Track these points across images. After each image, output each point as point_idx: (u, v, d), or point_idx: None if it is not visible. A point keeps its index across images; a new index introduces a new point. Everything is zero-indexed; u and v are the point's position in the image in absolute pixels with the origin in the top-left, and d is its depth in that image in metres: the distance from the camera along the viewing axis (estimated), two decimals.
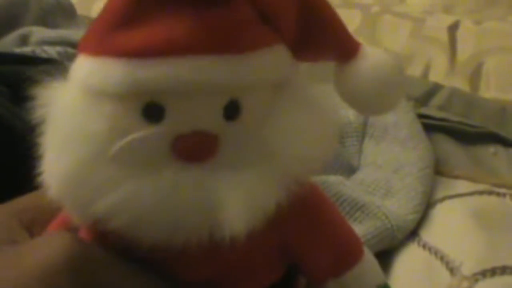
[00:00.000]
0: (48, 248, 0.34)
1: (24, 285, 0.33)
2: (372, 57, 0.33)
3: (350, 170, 0.69)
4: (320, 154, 0.33)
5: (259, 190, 0.31)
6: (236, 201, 0.30)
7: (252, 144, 0.31)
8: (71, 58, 0.70)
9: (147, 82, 0.29)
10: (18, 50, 0.72)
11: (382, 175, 0.67)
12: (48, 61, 0.62)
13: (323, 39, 0.33)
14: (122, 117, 0.30)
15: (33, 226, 0.39)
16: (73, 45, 0.74)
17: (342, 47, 0.34)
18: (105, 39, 0.30)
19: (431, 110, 0.80)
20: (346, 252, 0.38)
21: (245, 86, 0.31)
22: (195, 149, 0.30)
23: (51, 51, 0.71)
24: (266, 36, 0.32)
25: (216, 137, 0.30)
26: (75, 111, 0.31)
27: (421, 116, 0.77)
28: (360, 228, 0.59)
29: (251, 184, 0.31)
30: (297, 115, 0.32)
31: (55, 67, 0.53)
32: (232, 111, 0.31)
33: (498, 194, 0.66)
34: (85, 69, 0.31)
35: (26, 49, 0.72)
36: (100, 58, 0.30)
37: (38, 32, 0.79)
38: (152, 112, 0.30)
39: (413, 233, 0.63)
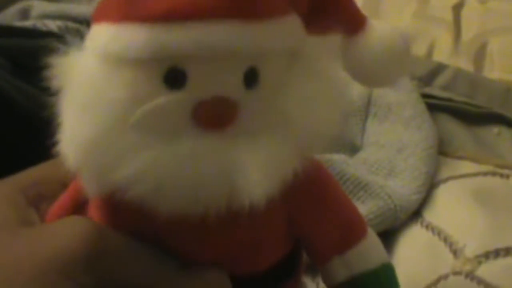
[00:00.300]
0: (67, 237, 0.33)
1: (41, 276, 0.32)
2: (379, 30, 0.34)
3: (353, 149, 0.69)
4: (330, 126, 0.33)
5: (277, 158, 0.31)
6: (255, 168, 0.30)
7: (269, 112, 0.31)
8: (71, 32, 0.69)
9: (171, 46, 0.29)
10: (18, 24, 0.71)
11: (385, 154, 0.67)
12: (49, 34, 0.61)
13: (333, 11, 0.34)
14: (143, 84, 0.30)
15: (40, 201, 0.38)
16: (73, 19, 0.74)
17: (351, 19, 0.34)
18: (127, 5, 0.30)
19: (435, 90, 0.80)
20: (350, 229, 0.38)
21: (264, 54, 0.31)
22: (216, 115, 0.30)
23: (52, 25, 0.70)
24: (283, 5, 0.32)
25: (235, 104, 0.30)
26: (94, 78, 0.31)
27: (424, 96, 0.77)
28: (363, 208, 0.59)
29: (269, 152, 0.31)
30: (309, 85, 0.32)
31: (56, 40, 0.53)
32: (251, 78, 0.31)
33: (501, 175, 0.66)
34: (105, 36, 0.31)
35: (27, 23, 0.72)
36: (121, 24, 0.30)
37: (39, 6, 0.78)
38: (174, 77, 0.30)
39: (416, 214, 0.62)
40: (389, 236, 0.59)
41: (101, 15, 0.32)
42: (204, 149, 0.30)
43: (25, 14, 0.78)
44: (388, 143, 0.68)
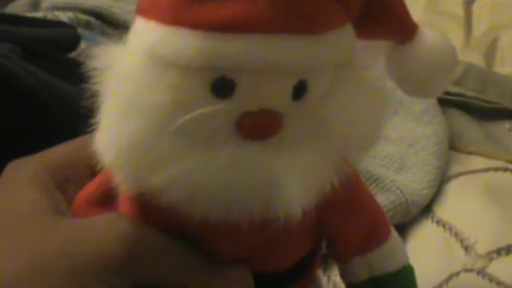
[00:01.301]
0: (103, 238, 0.33)
1: (75, 278, 0.32)
2: (431, 40, 0.33)
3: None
4: (370, 136, 0.33)
5: (317, 170, 0.31)
6: (295, 181, 0.30)
7: (313, 123, 0.31)
8: (82, 24, 0.69)
9: (223, 57, 0.29)
10: (29, 15, 0.71)
11: (396, 149, 0.66)
12: (60, 25, 0.61)
13: (384, 17, 0.33)
14: (189, 90, 0.30)
15: (67, 185, 0.38)
16: (84, 11, 0.73)
17: (402, 27, 0.33)
18: (182, 9, 0.29)
19: None
20: (375, 231, 0.38)
21: (315, 67, 0.30)
22: (261, 127, 0.30)
23: (62, 17, 0.70)
24: (339, 15, 0.31)
25: (281, 116, 0.30)
26: (139, 79, 0.30)
27: None
28: None
29: (310, 164, 0.31)
30: (354, 95, 0.32)
31: (68, 30, 0.52)
32: (300, 91, 0.30)
33: None
34: (154, 36, 0.30)
35: (38, 14, 0.71)
36: (174, 27, 0.30)
37: None
38: (223, 87, 0.29)
39: (427, 209, 0.62)
40: (400, 231, 0.59)
41: (151, 11, 0.31)
42: (243, 159, 0.30)
43: (35, 5, 0.78)
44: (399, 138, 0.68)
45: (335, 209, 0.35)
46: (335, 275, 0.44)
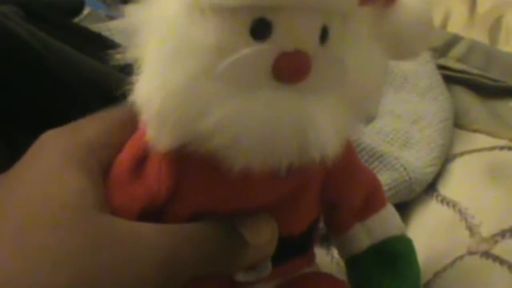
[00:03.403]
0: (148, 264, 0.32)
1: None
2: (410, 2, 0.36)
3: (368, 117, 0.67)
4: (377, 90, 0.35)
5: (341, 116, 0.33)
6: (326, 123, 0.32)
7: (334, 69, 0.33)
8: None
9: None
10: None
11: (401, 125, 0.65)
12: None
13: None
14: (230, 33, 0.31)
15: (110, 166, 0.36)
16: None
17: None
18: None
19: (449, 61, 0.78)
20: (372, 197, 0.41)
21: (335, 12, 0.32)
22: (296, 67, 0.31)
23: None
24: None
25: (311, 59, 0.31)
26: (181, 25, 0.31)
27: (439, 67, 0.75)
28: None
29: (336, 109, 0.32)
30: (358, 47, 0.34)
31: None
32: (324, 34, 0.32)
33: None
34: None
35: None
36: None
37: None
38: (261, 28, 0.31)
39: (431, 188, 0.61)
40: (403, 210, 0.58)
41: None
42: (281, 102, 0.31)
43: None
44: (404, 113, 0.67)
45: (338, 172, 0.37)
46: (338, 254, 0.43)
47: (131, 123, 0.34)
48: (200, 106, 0.30)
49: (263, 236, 0.36)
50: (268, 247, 0.36)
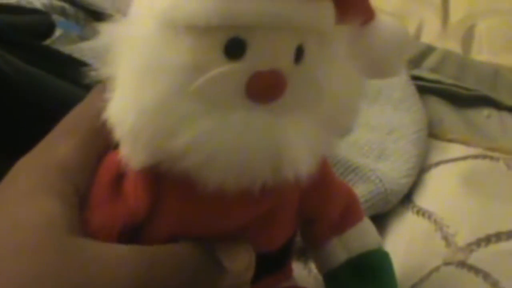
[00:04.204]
0: (119, 283, 0.32)
1: None
2: (386, 21, 0.37)
3: (344, 131, 0.68)
4: (354, 108, 0.34)
5: (316, 135, 0.32)
6: (300, 143, 0.32)
7: (310, 89, 0.32)
8: (56, 10, 0.68)
9: (239, 15, 0.30)
10: (3, 1, 0.70)
11: (375, 136, 0.66)
12: (35, 11, 0.60)
13: (352, 2, 0.35)
14: (204, 52, 0.31)
15: (83, 188, 0.35)
16: None
17: (365, 11, 0.36)
18: None
19: (423, 72, 0.79)
20: (349, 211, 0.41)
21: (311, 31, 0.32)
22: (270, 86, 0.31)
23: (37, 3, 0.69)
24: None
25: (286, 78, 0.31)
26: (154, 44, 0.31)
27: (413, 78, 0.76)
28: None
29: (311, 129, 0.32)
30: (335, 68, 0.34)
31: (43, 17, 0.51)
32: (299, 53, 0.32)
33: (491, 158, 0.65)
34: (164, 2, 0.31)
35: (11, 0, 0.70)
36: None
37: None
38: (235, 47, 0.31)
39: (407, 199, 0.62)
40: (379, 222, 0.58)
41: None
42: (255, 121, 0.31)
43: None
44: (377, 125, 0.67)
45: (314, 188, 0.37)
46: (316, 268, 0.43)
47: (103, 130, 0.32)
48: (173, 125, 0.30)
49: (241, 263, 0.36)
50: (246, 273, 0.36)
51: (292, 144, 0.31)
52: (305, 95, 0.32)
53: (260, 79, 0.31)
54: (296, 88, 0.32)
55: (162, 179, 0.33)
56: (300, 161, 0.32)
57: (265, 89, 0.31)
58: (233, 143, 0.31)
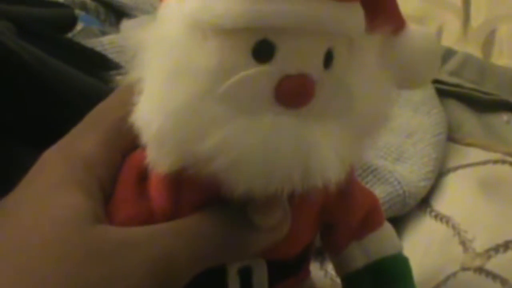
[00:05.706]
0: (140, 276, 0.31)
1: None
2: (417, 31, 0.36)
3: None
4: (383, 116, 0.34)
5: (346, 142, 0.32)
6: (329, 150, 0.31)
7: (339, 95, 0.32)
8: (77, 4, 0.68)
9: (266, 17, 0.30)
10: None
11: (394, 139, 0.65)
12: (57, 4, 0.60)
13: (381, 11, 0.34)
14: (231, 54, 0.30)
15: (109, 183, 0.35)
16: None
17: (395, 20, 0.35)
18: None
19: (443, 75, 0.79)
20: (370, 216, 0.40)
21: (341, 36, 0.32)
22: (299, 91, 0.31)
23: None
24: None
25: (315, 83, 0.31)
26: (182, 46, 0.31)
27: (433, 81, 0.76)
28: None
29: (340, 135, 0.32)
30: (366, 75, 0.33)
31: (65, 10, 0.51)
32: (328, 58, 0.31)
33: (511, 163, 0.65)
34: (193, 4, 0.31)
35: None
36: None
37: None
38: (264, 50, 0.30)
39: (424, 203, 0.61)
40: (397, 226, 0.58)
41: None
42: (283, 126, 0.30)
43: None
44: (397, 127, 0.67)
45: (339, 195, 0.36)
46: (332, 269, 0.43)
47: (127, 128, 0.32)
48: (200, 128, 0.30)
49: (273, 218, 0.35)
50: (281, 227, 0.35)
51: (321, 150, 0.31)
52: (335, 101, 0.32)
53: (289, 83, 0.30)
54: (325, 94, 0.31)
55: (186, 184, 0.33)
56: (329, 168, 0.31)
57: (294, 93, 0.30)
58: (261, 147, 0.30)
